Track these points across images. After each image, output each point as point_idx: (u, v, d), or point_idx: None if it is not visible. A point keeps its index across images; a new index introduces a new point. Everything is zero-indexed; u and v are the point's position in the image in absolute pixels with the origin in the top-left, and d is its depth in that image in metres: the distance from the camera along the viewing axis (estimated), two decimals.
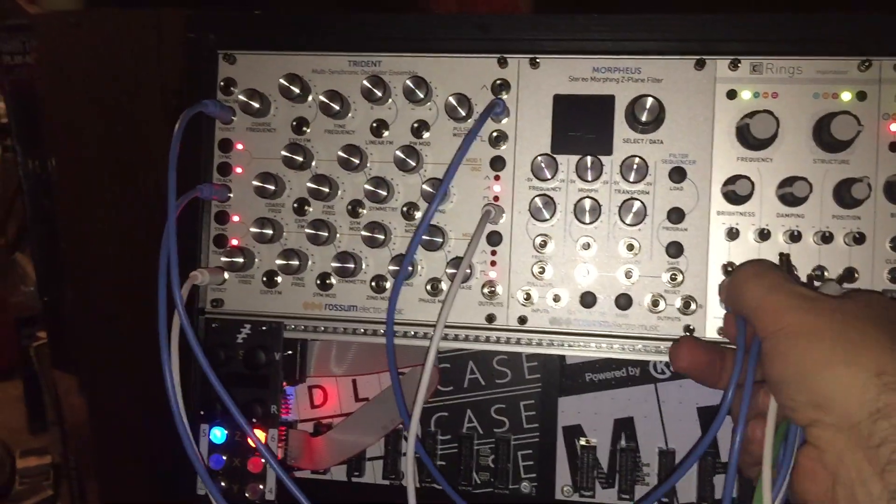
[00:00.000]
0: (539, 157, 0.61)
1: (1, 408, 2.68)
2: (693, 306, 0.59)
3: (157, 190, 1.15)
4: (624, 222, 0.60)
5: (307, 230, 0.63)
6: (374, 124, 0.63)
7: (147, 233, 1.15)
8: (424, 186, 0.62)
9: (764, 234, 0.58)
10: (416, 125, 0.63)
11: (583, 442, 0.69)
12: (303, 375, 0.71)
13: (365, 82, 0.62)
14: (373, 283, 0.63)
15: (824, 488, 0.45)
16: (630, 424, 0.69)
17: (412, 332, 0.64)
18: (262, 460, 0.64)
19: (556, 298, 0.61)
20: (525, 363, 0.71)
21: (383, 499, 0.71)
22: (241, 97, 0.63)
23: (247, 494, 0.64)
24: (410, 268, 0.62)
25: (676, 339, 0.59)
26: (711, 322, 0.60)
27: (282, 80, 0.63)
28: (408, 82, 0.62)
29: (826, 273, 0.58)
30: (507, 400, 0.71)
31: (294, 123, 0.64)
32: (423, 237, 0.62)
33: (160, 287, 0.59)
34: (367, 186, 0.62)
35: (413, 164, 0.62)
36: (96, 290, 1.19)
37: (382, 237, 0.62)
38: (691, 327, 0.60)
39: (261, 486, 0.64)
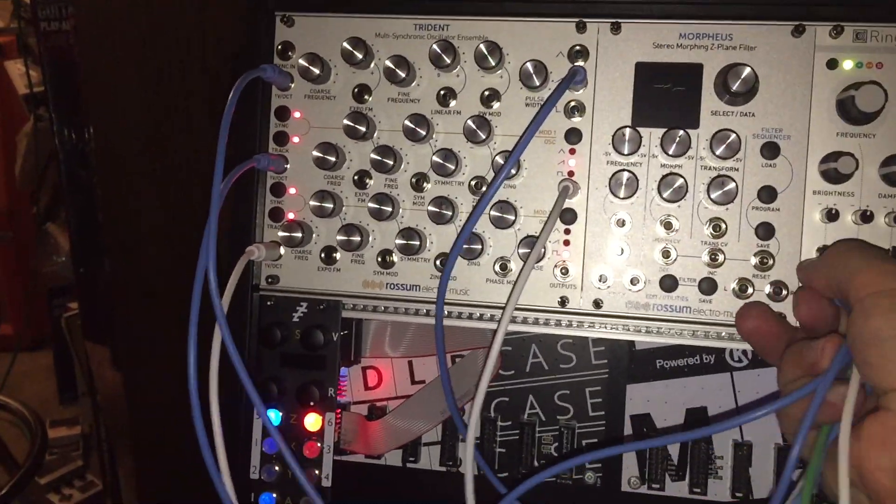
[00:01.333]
0: (619, 130, 0.57)
1: (31, 378, 2.69)
2: (784, 293, 0.55)
3: (199, 161, 1.12)
4: (711, 201, 0.56)
5: (370, 204, 0.60)
6: (442, 92, 0.59)
7: (190, 206, 1.13)
8: (498, 159, 0.58)
9: (866, 216, 0.54)
10: (486, 94, 0.59)
11: (652, 431, 0.66)
12: (357, 356, 0.68)
13: (434, 47, 0.58)
14: (437, 262, 0.60)
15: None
16: (703, 414, 0.66)
17: (478, 314, 0.60)
18: (319, 445, 0.62)
19: (634, 281, 0.57)
20: (592, 348, 0.67)
21: (439, 485, 0.68)
22: (302, 62, 0.60)
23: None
24: (479, 246, 0.59)
25: (748, 302, 0.55)
26: None
27: (345, 45, 0.59)
28: (481, 47, 0.58)
29: None
30: (572, 386, 0.67)
31: (356, 90, 0.61)
32: (492, 213, 0.58)
33: (205, 262, 0.55)
34: (436, 158, 0.59)
35: (483, 135, 0.58)
36: (135, 263, 1.17)
37: (450, 213, 0.59)
38: (782, 315, 0.56)
39: (316, 472, 0.62)
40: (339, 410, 0.64)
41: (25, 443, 2.16)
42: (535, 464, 0.67)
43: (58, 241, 2.04)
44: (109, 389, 1.75)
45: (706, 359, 0.66)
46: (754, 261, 0.56)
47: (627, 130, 0.57)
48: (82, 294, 1.91)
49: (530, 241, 0.58)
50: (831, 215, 0.55)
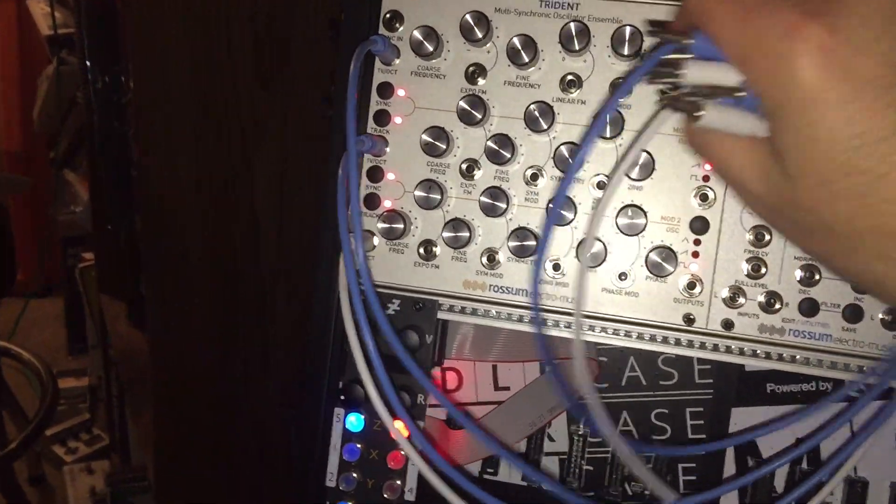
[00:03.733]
0: None
1: (40, 325, 2.65)
2: None
3: (241, 118, 1.06)
4: None
5: (482, 199, 0.54)
6: (568, 78, 0.53)
7: (228, 165, 1.07)
8: (621, 153, 0.52)
9: None
10: (617, 82, 0.53)
11: (757, 459, 0.61)
12: (441, 358, 0.62)
13: (571, 26, 0.52)
14: (549, 265, 0.54)
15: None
16: (814, 446, 0.61)
17: (587, 327, 0.55)
18: (404, 454, 0.56)
19: (771, 303, 0.52)
20: (696, 365, 0.62)
21: (518, 500, 0.64)
22: (416, 34, 0.53)
23: (385, 494, 0.56)
24: (601, 251, 0.53)
25: None
26: None
27: (467, 18, 0.53)
28: (620, 31, 0.52)
29: None
30: (671, 404, 0.62)
31: (469, 70, 0.54)
32: (620, 220, 0.52)
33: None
34: (557, 149, 0.53)
35: (611, 130, 0.52)
36: (168, 222, 1.11)
37: (571, 215, 0.53)
38: None
39: (399, 483, 0.57)
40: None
41: (31, 391, 2.12)
42: (625, 486, 0.62)
43: (77, 190, 1.98)
44: (123, 344, 1.71)
45: (822, 385, 0.61)
46: None
47: None
48: (101, 247, 1.86)
49: (659, 252, 0.52)
50: None
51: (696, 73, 0.37)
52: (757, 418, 0.61)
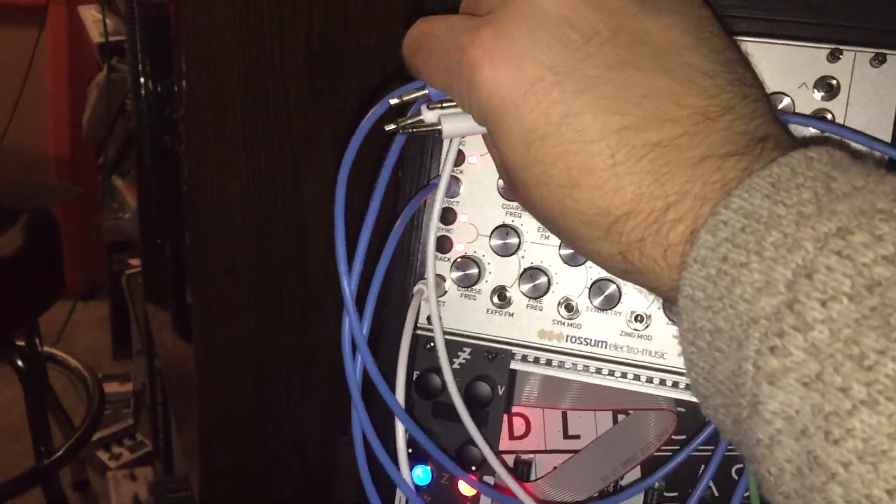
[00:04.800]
0: None
1: (84, 328, 2.67)
2: None
3: (293, 137, 1.05)
4: None
5: (562, 251, 0.51)
6: None
7: (280, 184, 1.06)
8: None
9: None
10: None
11: None
12: (509, 406, 0.59)
13: None
14: (634, 317, 0.51)
15: None
16: None
17: (671, 382, 0.52)
18: None
19: None
20: None
21: None
22: None
23: None
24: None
25: None
26: None
27: None
28: None
29: None
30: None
31: None
32: None
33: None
34: None
35: None
36: (217, 238, 1.10)
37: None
38: None
39: None
40: None
41: (76, 395, 2.13)
42: None
43: (124, 196, 1.98)
44: (168, 354, 1.71)
45: None
46: None
47: None
48: (148, 257, 1.86)
49: None
50: None
51: (433, 112, 0.42)
52: None
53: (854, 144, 0.47)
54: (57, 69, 2.57)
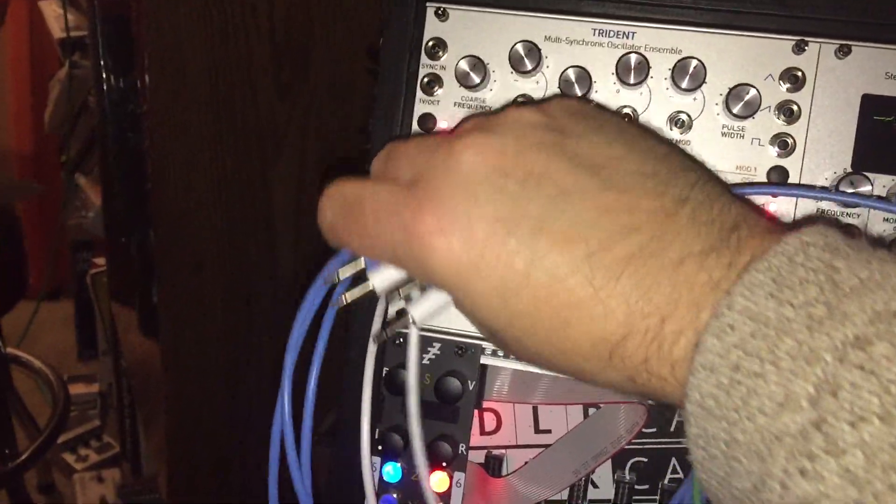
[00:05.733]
0: (837, 174, 0.48)
1: (49, 328, 2.63)
2: None
3: (259, 134, 1.04)
4: None
5: None
6: (626, 111, 0.50)
7: (246, 179, 1.04)
8: None
9: None
10: (676, 117, 0.50)
11: None
12: (479, 401, 0.59)
13: (622, 58, 0.49)
14: None
15: None
16: None
17: None
18: None
19: None
20: None
21: None
22: (463, 65, 0.50)
23: None
24: None
25: None
26: None
27: (518, 48, 0.50)
28: (679, 63, 0.48)
29: None
30: None
31: (517, 102, 0.51)
32: None
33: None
34: None
35: None
36: (183, 234, 1.09)
37: None
38: None
39: None
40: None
41: (41, 396, 2.10)
42: None
43: (87, 194, 1.95)
44: (135, 354, 1.68)
45: None
46: None
47: (845, 176, 0.48)
48: (114, 256, 1.83)
49: None
50: None
51: (378, 281, 0.42)
52: None
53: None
54: (18, 65, 2.52)
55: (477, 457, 0.61)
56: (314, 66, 1.06)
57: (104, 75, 1.27)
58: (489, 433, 0.62)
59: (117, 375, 1.97)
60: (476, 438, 0.62)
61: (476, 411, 0.61)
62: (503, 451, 0.61)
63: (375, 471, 0.54)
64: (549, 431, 0.61)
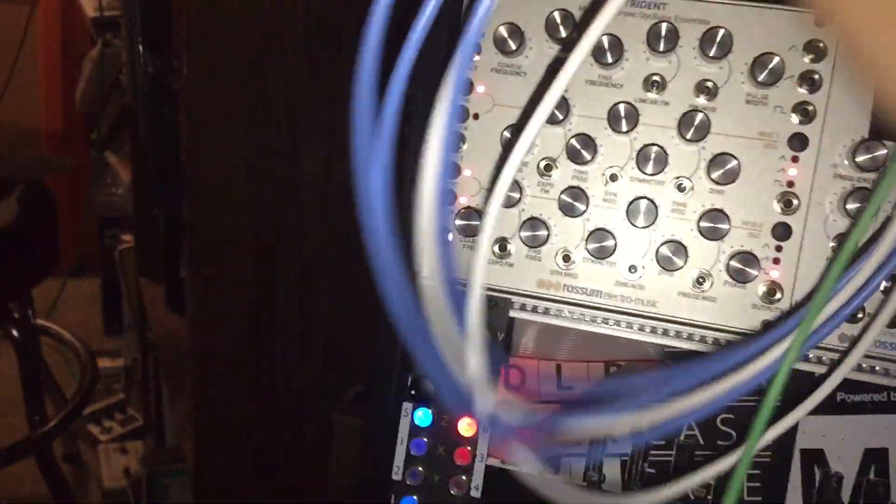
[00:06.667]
0: (854, 142, 0.50)
1: (75, 305, 2.68)
2: None
3: (291, 111, 1.06)
4: None
5: (562, 198, 0.53)
6: (655, 78, 0.53)
7: (277, 154, 1.07)
8: (710, 156, 0.52)
9: None
10: (703, 85, 0.52)
11: (824, 469, 0.60)
12: (507, 355, 0.62)
13: (653, 27, 0.51)
14: (628, 267, 0.54)
15: None
16: (884, 457, 0.60)
17: (661, 330, 0.54)
18: (471, 451, 0.56)
19: (854, 312, 0.51)
20: None
21: (577, 500, 0.63)
22: (501, 30, 0.53)
23: (451, 490, 0.56)
24: (681, 260, 0.53)
25: None
26: None
27: (554, 14, 0.52)
28: (704, 30, 0.51)
29: None
30: (739, 410, 0.62)
31: (551, 69, 0.54)
32: (702, 224, 0.52)
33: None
34: (639, 151, 0.52)
35: (695, 133, 0.52)
36: (215, 208, 1.12)
37: (649, 216, 0.53)
38: None
39: (465, 479, 0.57)
40: None
41: (68, 370, 2.14)
42: (690, 491, 0.62)
43: (117, 171, 1.99)
44: (161, 328, 1.72)
45: (894, 396, 0.60)
46: None
47: (861, 143, 0.50)
48: (143, 231, 1.87)
49: (741, 257, 0.52)
50: None
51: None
52: (826, 427, 0.61)
53: None
54: (50, 44, 2.56)
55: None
56: (346, 44, 1.08)
57: (140, 48, 1.30)
58: (513, 388, 0.65)
59: (143, 350, 2.01)
60: (500, 392, 0.65)
61: (501, 367, 0.64)
62: (527, 406, 0.64)
63: (407, 416, 0.57)
64: (571, 388, 0.64)
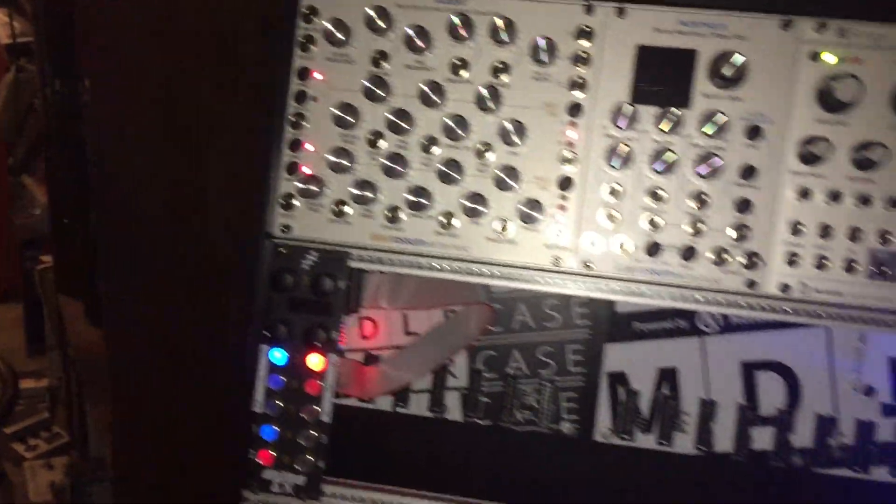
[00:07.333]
0: (617, 106, 0.62)
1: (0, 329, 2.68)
2: (758, 262, 0.61)
3: (195, 122, 1.13)
4: (697, 176, 0.61)
5: (383, 161, 0.64)
6: (456, 62, 0.64)
7: (186, 175, 1.12)
8: (506, 125, 0.63)
9: (834, 196, 0.60)
10: (497, 66, 0.64)
11: (626, 388, 0.72)
12: (356, 306, 0.72)
13: (452, 18, 0.63)
14: (442, 219, 0.65)
15: None
16: (673, 375, 0.72)
17: (477, 271, 0.65)
18: (320, 384, 0.66)
19: (623, 245, 0.63)
20: (575, 308, 0.72)
21: (426, 430, 0.73)
22: (327, 25, 0.64)
23: (303, 416, 0.66)
24: (483, 207, 0.64)
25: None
26: (773, 278, 0.61)
27: (368, 11, 0.63)
28: (495, 21, 0.62)
29: (892, 238, 0.60)
30: (555, 343, 0.73)
31: (374, 56, 0.65)
32: (497, 173, 0.63)
33: None
34: (447, 121, 0.63)
35: (492, 104, 0.63)
36: (123, 219, 1.18)
37: (457, 175, 0.63)
38: (754, 282, 0.61)
39: (316, 408, 0.66)
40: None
41: None
42: (517, 413, 0.72)
43: (34, 194, 2.04)
44: (82, 343, 1.75)
45: (680, 323, 0.71)
46: (732, 233, 0.61)
47: (626, 107, 0.62)
48: (58, 248, 1.91)
49: (532, 205, 0.63)
50: (804, 194, 0.60)
51: None
52: (627, 353, 0.72)
53: None
54: None
55: (357, 357, 0.74)
56: (250, 68, 1.15)
57: (47, 73, 1.37)
58: (367, 337, 0.75)
59: (65, 366, 2.04)
60: (357, 342, 0.75)
61: (357, 319, 0.74)
62: (380, 351, 0.74)
63: (265, 356, 0.66)
64: (416, 333, 0.74)
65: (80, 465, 1.87)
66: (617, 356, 0.72)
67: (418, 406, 0.74)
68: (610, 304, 0.71)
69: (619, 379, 0.72)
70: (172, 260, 1.20)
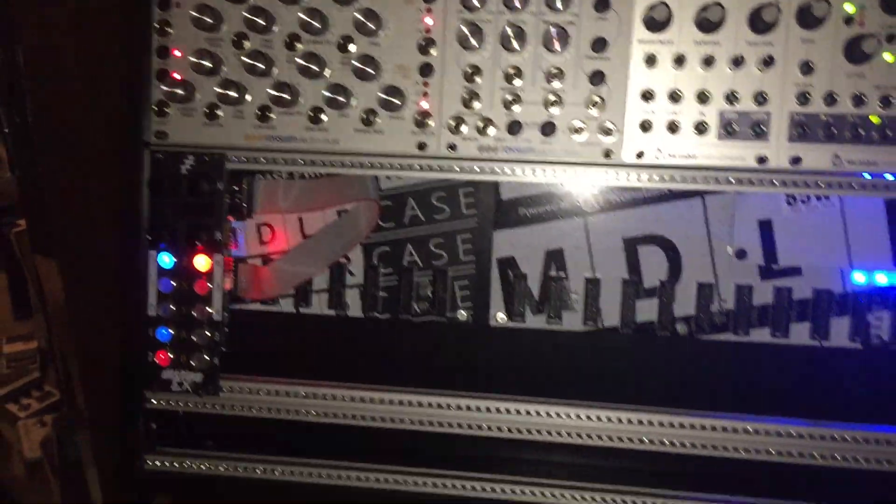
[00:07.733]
0: None
1: None
2: (613, 131, 0.62)
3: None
4: (550, 52, 0.62)
5: (247, 60, 0.65)
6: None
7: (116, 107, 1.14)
8: (356, 15, 0.64)
9: (681, 61, 0.61)
10: None
11: (516, 272, 0.73)
12: (250, 211, 0.74)
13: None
14: (310, 114, 0.66)
15: None
16: (560, 256, 0.73)
17: (348, 163, 0.67)
18: (209, 284, 0.68)
19: (484, 126, 0.64)
20: (462, 199, 0.74)
21: (329, 328, 0.76)
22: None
23: (195, 315, 0.68)
24: (345, 98, 0.65)
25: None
26: (628, 146, 0.63)
27: None
28: None
29: (738, 97, 0.61)
30: (445, 234, 0.75)
31: None
32: (355, 65, 0.64)
33: None
34: (303, 16, 0.64)
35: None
36: (68, 162, 1.20)
37: (318, 69, 0.65)
38: (610, 151, 0.63)
39: (207, 308, 0.68)
40: (228, 259, 0.69)
41: None
42: (415, 305, 0.75)
43: (1, 155, 2.06)
44: (58, 301, 1.79)
45: (563, 205, 0.73)
46: (588, 104, 0.63)
47: None
48: (27, 206, 1.94)
49: (395, 94, 0.64)
50: (651, 61, 0.61)
51: None
52: (514, 238, 0.74)
53: None
54: None
55: (257, 263, 0.76)
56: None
57: None
58: (266, 243, 0.77)
59: (49, 327, 2.08)
60: (257, 248, 0.77)
61: (255, 226, 0.76)
62: (279, 255, 0.76)
63: (154, 261, 0.68)
64: (312, 236, 0.76)
65: (66, 415, 1.92)
66: (505, 242, 0.74)
67: (320, 306, 0.76)
68: (495, 191, 0.73)
69: (508, 264, 0.74)
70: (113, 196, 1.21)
